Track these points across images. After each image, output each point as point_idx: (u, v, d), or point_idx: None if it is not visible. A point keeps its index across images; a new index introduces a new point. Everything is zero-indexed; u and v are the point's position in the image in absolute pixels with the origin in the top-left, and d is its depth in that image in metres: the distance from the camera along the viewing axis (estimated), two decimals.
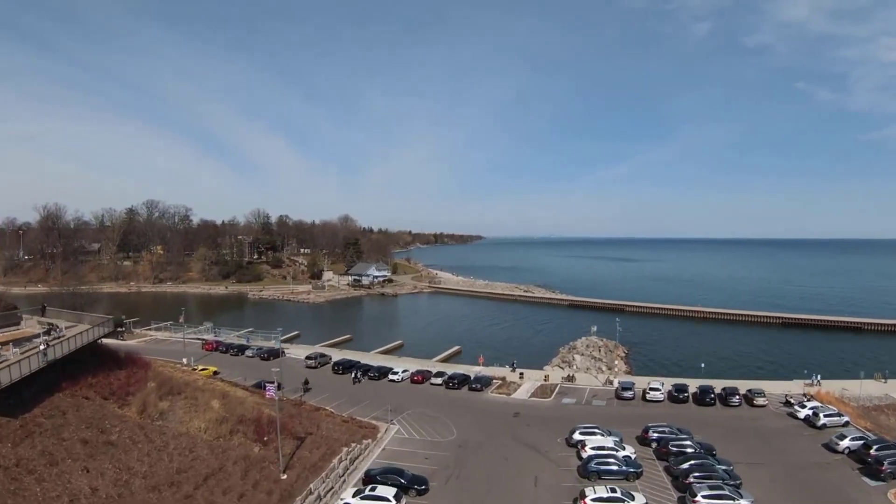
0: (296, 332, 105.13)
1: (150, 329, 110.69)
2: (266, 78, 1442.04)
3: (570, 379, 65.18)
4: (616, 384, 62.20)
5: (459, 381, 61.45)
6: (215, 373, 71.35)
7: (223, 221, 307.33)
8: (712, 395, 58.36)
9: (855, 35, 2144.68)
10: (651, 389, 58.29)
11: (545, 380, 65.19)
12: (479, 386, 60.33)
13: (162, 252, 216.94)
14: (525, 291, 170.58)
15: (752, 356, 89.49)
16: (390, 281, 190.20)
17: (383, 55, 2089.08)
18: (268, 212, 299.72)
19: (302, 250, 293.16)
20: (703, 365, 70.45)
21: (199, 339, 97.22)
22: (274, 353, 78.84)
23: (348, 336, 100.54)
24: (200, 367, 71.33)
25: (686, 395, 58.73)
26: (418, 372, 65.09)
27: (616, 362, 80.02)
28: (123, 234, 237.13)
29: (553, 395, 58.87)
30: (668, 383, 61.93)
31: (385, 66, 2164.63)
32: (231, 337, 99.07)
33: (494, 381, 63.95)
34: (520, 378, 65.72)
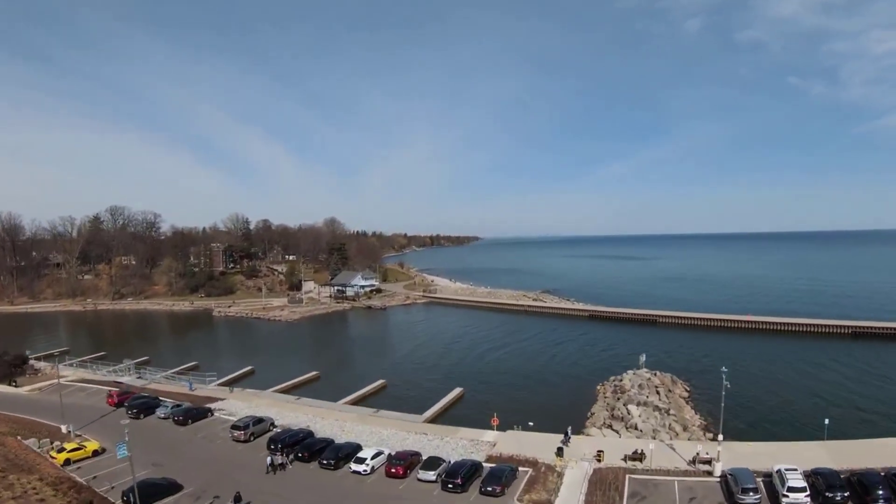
0: (248, 368, 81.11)
1: (69, 364, 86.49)
2: (263, 81, 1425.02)
3: (639, 457, 41.30)
4: (719, 470, 38.39)
5: (464, 477, 37.15)
6: (96, 452, 47.43)
7: (204, 228, 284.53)
8: (882, 494, 34.69)
9: (846, 29, 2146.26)
10: (791, 490, 34.39)
11: (597, 459, 41.37)
12: (496, 488, 36.16)
13: (123, 264, 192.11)
14: (535, 300, 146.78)
15: (849, 387, 65.98)
16: (379, 291, 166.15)
17: (382, 56, 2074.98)
18: (247, 216, 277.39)
19: (287, 257, 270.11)
20: (826, 421, 46.85)
21: (115, 383, 73.39)
22: (194, 415, 54.68)
23: (314, 374, 76.43)
24: (72, 447, 47.13)
25: (842, 494, 35.03)
26: (398, 459, 40.57)
27: (686, 413, 56.33)
28: (85, 244, 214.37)
29: (624, 501, 34.99)
30: (795, 454, 38.53)
31: (384, 68, 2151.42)
32: (158, 378, 74.95)
33: (521, 468, 40.02)
34: (559, 457, 41.76)
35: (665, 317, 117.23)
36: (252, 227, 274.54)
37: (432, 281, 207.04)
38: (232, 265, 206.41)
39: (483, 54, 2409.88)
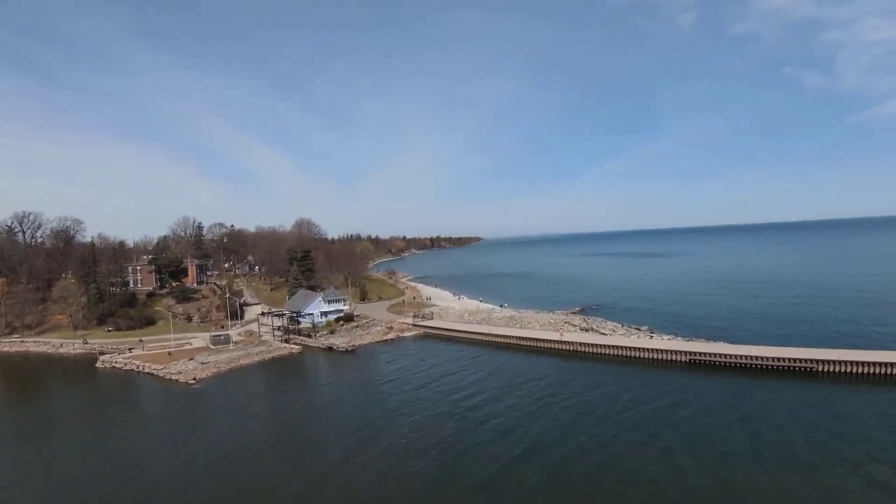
0: None
1: None
2: (261, 88, 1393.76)
3: None
4: None
5: None
6: None
7: (165, 237, 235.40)
8: None
9: (839, 17, 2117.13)
10: None
11: None
12: None
13: (5, 290, 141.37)
14: (583, 329, 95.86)
15: None
16: (349, 319, 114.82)
17: (379, 62, 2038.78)
18: (200, 221, 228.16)
19: (257, 270, 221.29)
20: None
21: None
22: None
23: None
24: None
25: None
26: None
27: None
28: None
29: None
30: None
31: (381, 73, 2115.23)
32: None
33: None
34: None
35: (826, 362, 66.92)
36: (206, 232, 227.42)
37: (429, 298, 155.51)
38: (159, 285, 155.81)
39: (478, 56, 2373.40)
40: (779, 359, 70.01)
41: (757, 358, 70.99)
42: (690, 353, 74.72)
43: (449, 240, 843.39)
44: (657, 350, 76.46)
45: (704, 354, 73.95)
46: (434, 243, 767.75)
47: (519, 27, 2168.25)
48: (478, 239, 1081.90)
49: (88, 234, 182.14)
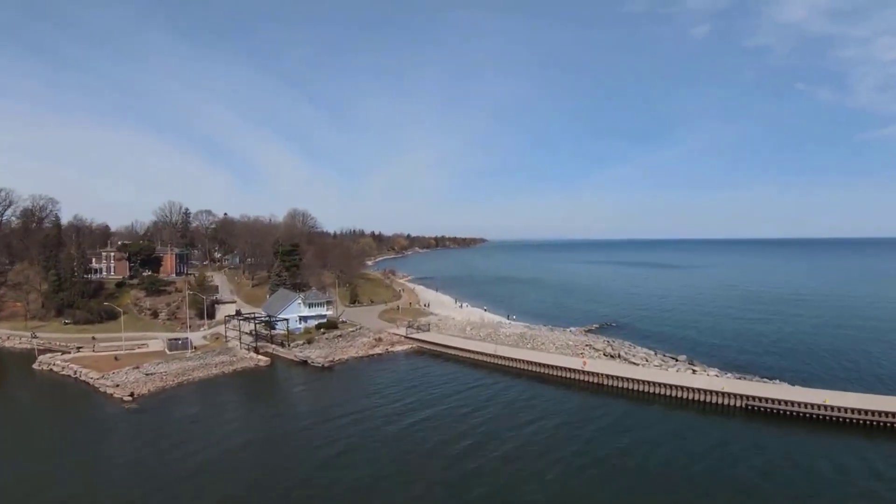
0: None
1: None
2: (266, 84, 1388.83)
3: None
4: None
5: None
6: None
7: (150, 223, 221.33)
8: None
9: (853, 35, 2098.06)
10: None
11: None
12: None
13: None
14: (610, 353, 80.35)
15: None
16: (333, 326, 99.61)
17: (385, 61, 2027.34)
18: (187, 207, 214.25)
19: (249, 261, 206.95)
20: None
21: None
22: None
23: None
24: None
25: None
26: None
27: None
28: None
29: None
30: None
31: (389, 72, 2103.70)
32: None
33: None
34: None
35: None
36: (192, 219, 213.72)
37: (427, 304, 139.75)
38: (133, 275, 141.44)
39: (488, 58, 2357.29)
40: (863, 411, 54.61)
41: (832, 408, 55.53)
42: (748, 396, 59.15)
43: (454, 240, 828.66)
44: (706, 391, 60.85)
45: (766, 400, 58.41)
46: (438, 243, 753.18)
47: (527, 29, 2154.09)
48: (482, 240, 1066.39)
49: (69, 216, 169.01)
